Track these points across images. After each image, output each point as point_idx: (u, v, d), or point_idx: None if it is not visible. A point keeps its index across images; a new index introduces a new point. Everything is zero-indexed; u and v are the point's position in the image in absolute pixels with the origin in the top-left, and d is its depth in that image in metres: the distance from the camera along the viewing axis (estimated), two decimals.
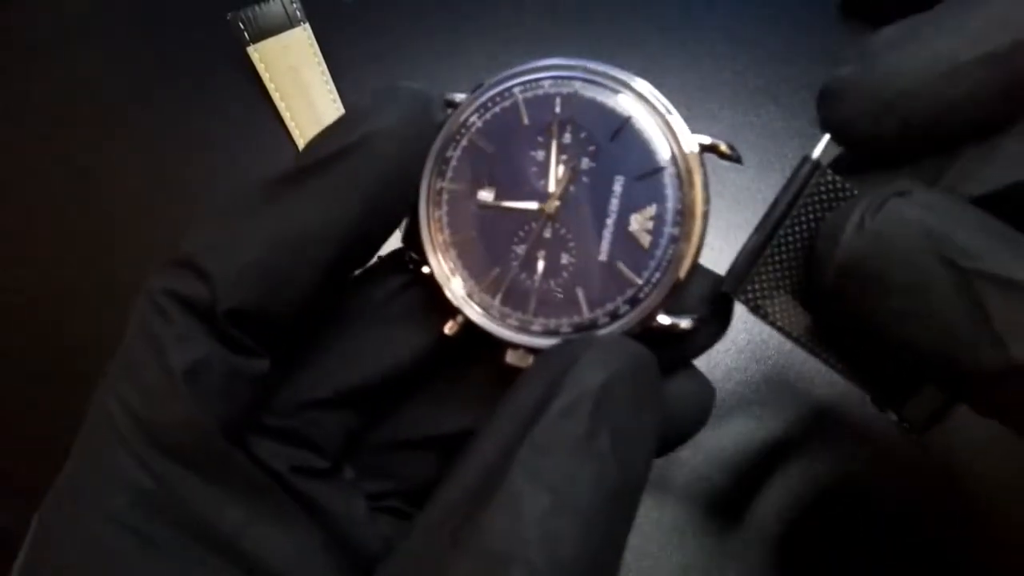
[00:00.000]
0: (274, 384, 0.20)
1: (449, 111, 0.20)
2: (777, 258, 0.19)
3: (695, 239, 0.19)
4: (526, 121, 0.19)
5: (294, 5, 0.40)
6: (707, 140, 0.19)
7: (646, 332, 0.19)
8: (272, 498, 0.18)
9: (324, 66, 0.40)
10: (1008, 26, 0.16)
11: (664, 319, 0.19)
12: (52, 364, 0.38)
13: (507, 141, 0.20)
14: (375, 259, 0.21)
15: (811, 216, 0.18)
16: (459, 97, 0.20)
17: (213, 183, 0.40)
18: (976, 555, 0.32)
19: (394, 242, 0.21)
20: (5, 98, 0.42)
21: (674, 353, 0.20)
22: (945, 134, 0.17)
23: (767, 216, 0.19)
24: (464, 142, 0.20)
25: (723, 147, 0.19)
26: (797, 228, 0.19)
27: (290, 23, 0.40)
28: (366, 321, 0.21)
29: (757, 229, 0.19)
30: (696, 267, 0.19)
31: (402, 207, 0.20)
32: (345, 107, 0.40)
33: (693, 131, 0.19)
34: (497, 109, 0.20)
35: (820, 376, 0.35)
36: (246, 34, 0.40)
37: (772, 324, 0.19)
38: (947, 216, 0.16)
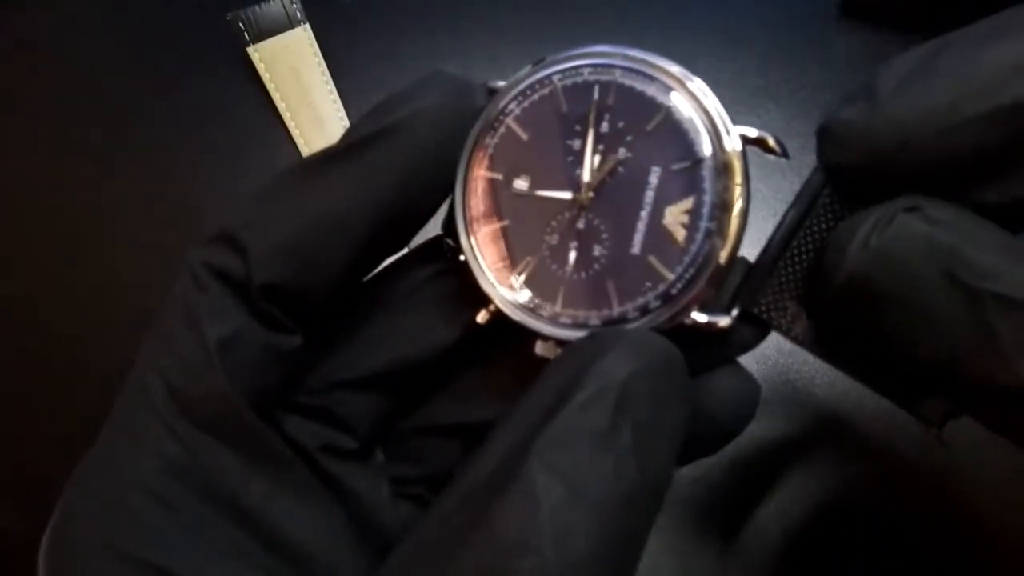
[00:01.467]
0: (307, 362, 0.20)
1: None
2: (791, 270, 0.18)
3: (733, 235, 0.18)
4: (564, 109, 0.19)
5: (294, 5, 0.40)
6: (752, 133, 0.18)
7: (680, 329, 0.18)
8: (297, 474, 0.18)
9: (324, 66, 0.40)
10: (1020, 73, 0.15)
11: (699, 316, 0.18)
12: (53, 365, 0.38)
13: (544, 129, 0.19)
14: (412, 245, 0.21)
15: (823, 227, 0.18)
16: (501, 84, 0.20)
17: (213, 183, 0.40)
18: (976, 558, 0.32)
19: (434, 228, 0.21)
20: (5, 98, 0.42)
21: (715, 350, 0.19)
22: (950, 182, 0.16)
23: (779, 228, 0.18)
24: (502, 129, 0.19)
25: (770, 141, 0.18)
26: (810, 239, 0.18)
27: (290, 23, 0.40)
28: (400, 306, 0.21)
29: (770, 241, 0.19)
30: (734, 263, 0.18)
31: (438, 192, 0.20)
32: (345, 107, 0.40)
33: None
34: (536, 96, 0.19)
35: (820, 376, 0.35)
36: (246, 34, 0.40)
37: (787, 336, 0.18)
38: (958, 233, 0.15)
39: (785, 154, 0.18)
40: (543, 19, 0.41)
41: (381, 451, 0.21)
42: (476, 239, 0.20)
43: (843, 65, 0.38)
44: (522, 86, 0.20)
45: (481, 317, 0.20)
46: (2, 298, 0.40)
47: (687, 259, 0.18)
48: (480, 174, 0.20)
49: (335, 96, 0.40)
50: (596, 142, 0.19)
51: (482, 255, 0.20)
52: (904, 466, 0.33)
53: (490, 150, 0.19)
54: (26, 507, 0.36)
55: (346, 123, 0.40)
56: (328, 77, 0.40)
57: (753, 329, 0.19)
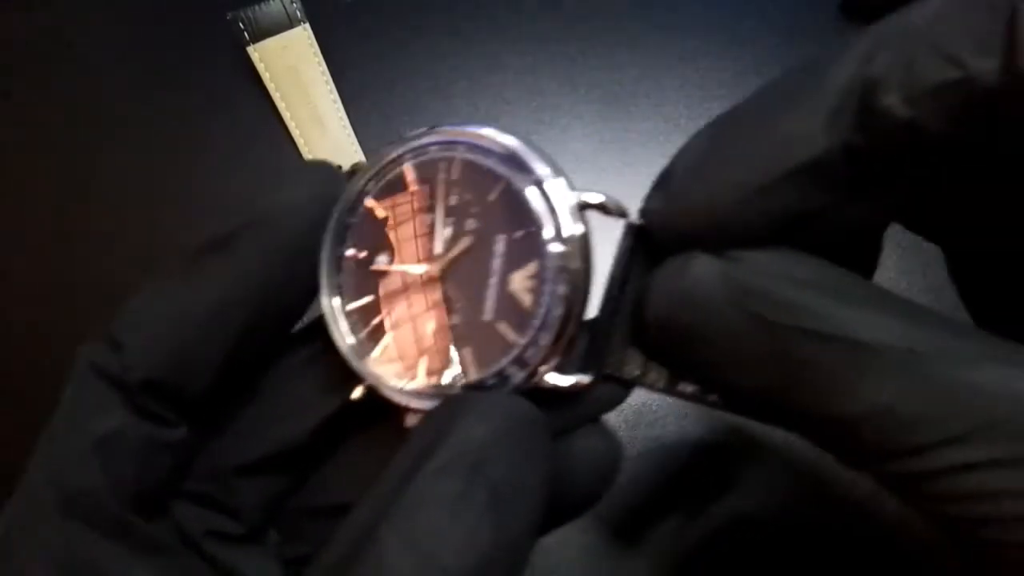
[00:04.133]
0: (195, 449, 0.20)
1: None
2: (624, 327, 0.19)
3: (578, 296, 0.18)
4: (415, 187, 0.20)
5: (294, 5, 0.40)
6: (594, 199, 0.19)
7: (540, 391, 0.18)
8: (183, 564, 0.18)
9: (324, 66, 0.40)
10: (791, 147, 0.15)
11: (556, 379, 0.19)
12: (52, 368, 0.38)
13: (399, 206, 0.20)
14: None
15: (644, 279, 0.18)
16: (363, 162, 0.21)
17: (213, 183, 0.40)
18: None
19: None
20: (4, 98, 0.42)
21: (578, 411, 0.19)
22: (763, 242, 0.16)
23: (609, 290, 0.19)
24: (360, 208, 0.20)
25: (610, 206, 0.19)
26: (634, 292, 0.19)
27: (290, 23, 0.40)
28: (280, 388, 0.21)
29: (602, 305, 0.19)
30: (582, 325, 0.19)
31: (311, 278, 0.20)
32: (345, 107, 0.40)
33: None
34: (390, 176, 0.20)
35: None
36: (246, 34, 0.40)
37: (647, 387, 0.19)
38: (757, 269, 0.15)
39: (624, 215, 0.19)
40: (542, 19, 0.41)
41: (275, 532, 0.21)
42: (343, 318, 0.20)
43: None
44: (377, 167, 0.21)
45: (355, 394, 0.20)
46: None
47: (536, 323, 0.18)
48: (343, 254, 0.20)
49: (335, 96, 0.40)
50: (446, 215, 0.20)
51: (349, 332, 0.20)
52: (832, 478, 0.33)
53: (351, 229, 0.20)
54: None
55: (346, 123, 0.40)
56: (328, 77, 0.40)
57: (614, 387, 0.19)
